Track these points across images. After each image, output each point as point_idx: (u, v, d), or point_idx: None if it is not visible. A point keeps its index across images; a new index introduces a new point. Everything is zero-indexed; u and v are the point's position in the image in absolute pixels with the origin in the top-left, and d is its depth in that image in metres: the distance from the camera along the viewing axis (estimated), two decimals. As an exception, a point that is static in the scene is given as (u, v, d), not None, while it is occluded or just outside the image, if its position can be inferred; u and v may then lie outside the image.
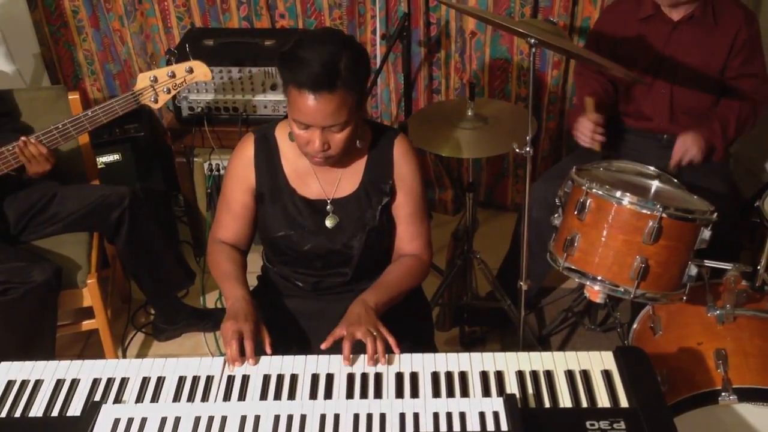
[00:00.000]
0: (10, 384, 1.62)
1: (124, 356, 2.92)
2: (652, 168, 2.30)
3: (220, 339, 2.95)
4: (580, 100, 2.71)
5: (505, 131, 2.50)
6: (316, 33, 1.75)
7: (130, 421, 1.50)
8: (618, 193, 1.95)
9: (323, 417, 1.50)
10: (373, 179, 1.89)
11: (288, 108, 1.73)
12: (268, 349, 1.68)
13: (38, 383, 1.62)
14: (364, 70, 1.73)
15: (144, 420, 1.50)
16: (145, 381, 1.61)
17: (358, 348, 1.66)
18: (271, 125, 1.92)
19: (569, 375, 1.60)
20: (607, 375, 1.60)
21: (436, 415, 1.50)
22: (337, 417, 1.50)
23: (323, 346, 1.68)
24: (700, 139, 2.48)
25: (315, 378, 1.61)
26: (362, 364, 1.65)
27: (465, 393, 1.56)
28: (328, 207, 1.89)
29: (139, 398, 1.57)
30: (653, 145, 2.68)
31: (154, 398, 1.57)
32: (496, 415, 1.49)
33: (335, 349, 1.68)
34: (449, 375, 1.61)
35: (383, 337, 1.67)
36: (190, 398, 1.57)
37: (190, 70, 2.54)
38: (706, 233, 1.96)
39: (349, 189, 1.89)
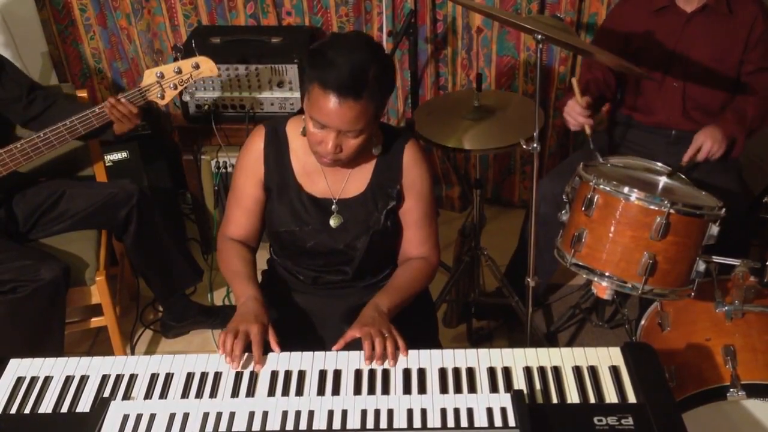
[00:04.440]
0: (19, 381, 1.62)
1: (133, 353, 2.93)
2: (659, 164, 2.29)
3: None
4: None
5: (512, 123, 2.50)
6: (348, 36, 1.74)
7: (139, 417, 1.51)
8: (626, 189, 1.94)
9: (331, 413, 1.51)
10: (380, 182, 1.89)
11: (306, 104, 1.72)
12: (275, 348, 1.68)
13: (47, 380, 1.62)
14: (389, 83, 1.73)
15: (153, 416, 1.51)
16: (153, 378, 1.62)
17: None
18: (283, 120, 1.92)
19: (577, 371, 1.60)
20: (614, 371, 1.60)
21: (443, 411, 1.50)
22: (344, 413, 1.51)
23: (335, 348, 1.68)
24: (717, 132, 2.42)
25: (323, 374, 1.61)
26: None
27: (473, 389, 1.56)
28: (334, 207, 1.89)
29: (148, 395, 1.58)
30: (661, 141, 2.67)
31: (163, 395, 1.58)
32: (503, 410, 1.49)
33: (345, 346, 1.69)
34: (457, 371, 1.61)
35: (394, 339, 1.67)
36: (199, 395, 1.57)
37: (197, 66, 2.55)
38: (714, 229, 1.95)
39: (356, 190, 1.89)
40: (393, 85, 1.76)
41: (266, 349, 1.68)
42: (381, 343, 1.64)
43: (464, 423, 1.47)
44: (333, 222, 1.88)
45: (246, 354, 1.65)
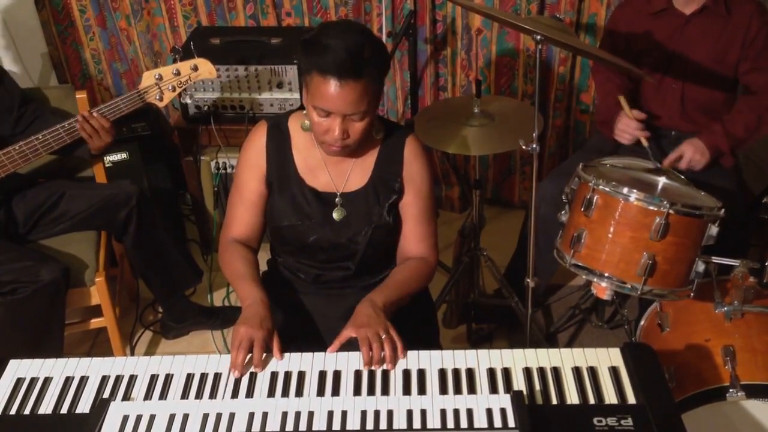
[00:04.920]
0: (19, 382, 1.62)
1: (133, 354, 2.93)
2: (649, 162, 2.30)
3: (228, 336, 2.96)
4: (604, 98, 2.70)
5: (512, 128, 2.50)
6: (337, 22, 1.75)
7: (139, 418, 1.51)
8: (625, 190, 1.95)
9: (330, 414, 1.50)
10: (382, 175, 1.89)
11: (307, 96, 1.73)
12: (277, 356, 1.67)
13: (47, 381, 1.62)
14: (385, 62, 1.74)
15: (152, 417, 1.51)
16: (153, 378, 1.61)
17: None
18: (284, 115, 1.93)
19: (576, 372, 1.60)
20: (614, 371, 1.60)
21: (443, 412, 1.50)
22: (344, 414, 1.50)
23: (330, 350, 1.67)
24: (700, 143, 2.48)
25: (322, 375, 1.61)
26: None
27: (472, 390, 1.56)
28: (337, 200, 1.89)
29: (148, 396, 1.58)
30: (662, 142, 2.67)
31: (163, 396, 1.58)
32: (503, 411, 1.49)
33: (343, 346, 1.68)
34: (456, 372, 1.61)
35: (392, 340, 1.66)
36: (198, 395, 1.57)
37: (195, 68, 2.55)
38: (714, 229, 1.95)
39: (358, 183, 1.89)
40: (389, 63, 1.77)
41: (266, 350, 1.68)
42: (379, 348, 1.63)
43: (464, 424, 1.47)
44: (336, 215, 1.88)
45: (249, 355, 1.65)
